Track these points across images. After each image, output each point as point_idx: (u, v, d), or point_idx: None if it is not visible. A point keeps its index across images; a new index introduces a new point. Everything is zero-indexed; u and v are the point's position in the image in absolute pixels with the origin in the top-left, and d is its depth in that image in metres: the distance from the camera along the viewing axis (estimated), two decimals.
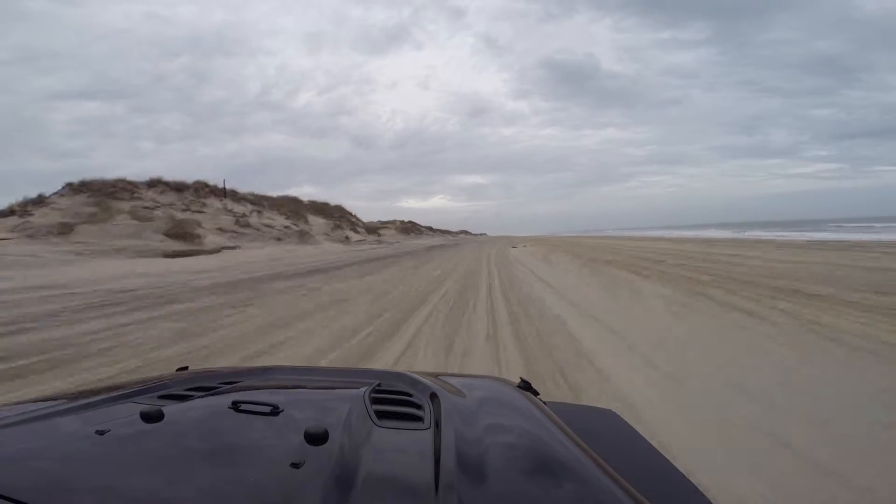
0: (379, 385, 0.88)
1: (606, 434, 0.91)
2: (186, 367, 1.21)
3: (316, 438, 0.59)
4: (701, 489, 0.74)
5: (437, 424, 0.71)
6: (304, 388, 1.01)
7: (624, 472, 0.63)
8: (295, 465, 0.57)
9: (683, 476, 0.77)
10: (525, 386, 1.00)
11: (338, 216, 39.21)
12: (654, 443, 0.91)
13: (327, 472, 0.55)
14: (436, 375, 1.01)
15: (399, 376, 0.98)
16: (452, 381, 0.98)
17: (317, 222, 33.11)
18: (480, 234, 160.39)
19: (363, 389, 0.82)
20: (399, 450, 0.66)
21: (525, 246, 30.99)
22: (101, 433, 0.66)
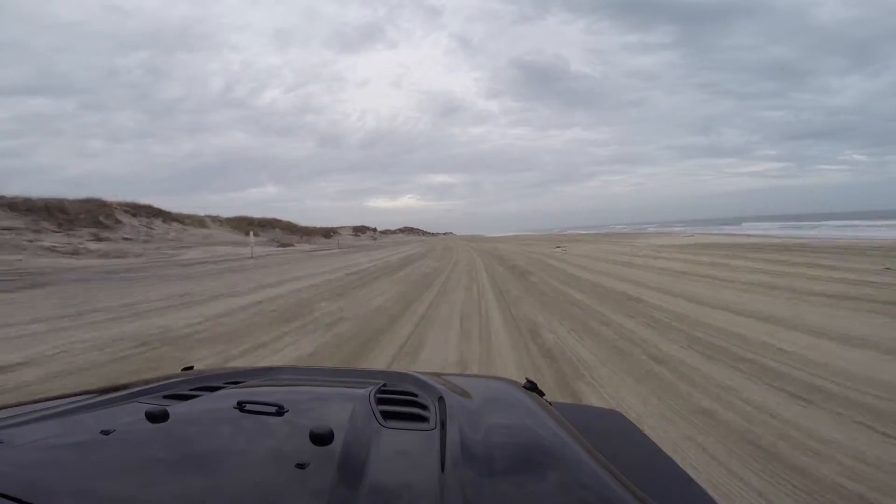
0: (384, 385, 0.88)
1: (611, 434, 0.91)
2: (192, 367, 1.20)
3: (321, 439, 0.59)
4: (707, 492, 0.73)
5: (443, 425, 0.71)
6: (309, 388, 1.00)
7: (629, 472, 0.63)
8: (300, 466, 0.57)
9: (689, 477, 0.77)
10: (531, 386, 1.00)
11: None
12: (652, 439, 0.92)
13: (333, 473, 0.55)
14: (441, 376, 1.01)
15: (404, 377, 0.98)
16: (458, 381, 0.98)
17: None
18: (446, 234, 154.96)
19: (368, 389, 0.82)
20: (405, 450, 0.66)
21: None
22: (105, 433, 0.65)
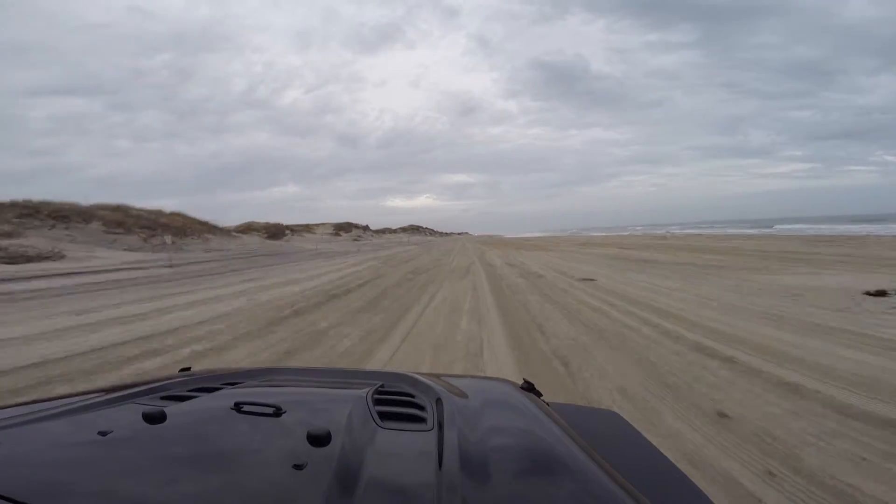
0: (382, 386, 0.88)
1: (608, 435, 0.91)
2: (189, 368, 1.20)
3: (318, 440, 0.59)
4: (704, 491, 0.73)
5: (440, 426, 0.71)
6: (307, 389, 1.01)
7: (626, 472, 0.64)
8: (297, 467, 0.57)
9: (685, 476, 0.77)
10: (528, 387, 1.00)
11: None
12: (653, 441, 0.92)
13: (330, 474, 0.55)
14: (438, 376, 1.01)
15: (402, 377, 0.98)
16: (455, 382, 0.98)
17: None
18: (461, 234, 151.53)
19: (366, 390, 0.82)
20: (402, 451, 0.66)
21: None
22: (103, 434, 0.65)
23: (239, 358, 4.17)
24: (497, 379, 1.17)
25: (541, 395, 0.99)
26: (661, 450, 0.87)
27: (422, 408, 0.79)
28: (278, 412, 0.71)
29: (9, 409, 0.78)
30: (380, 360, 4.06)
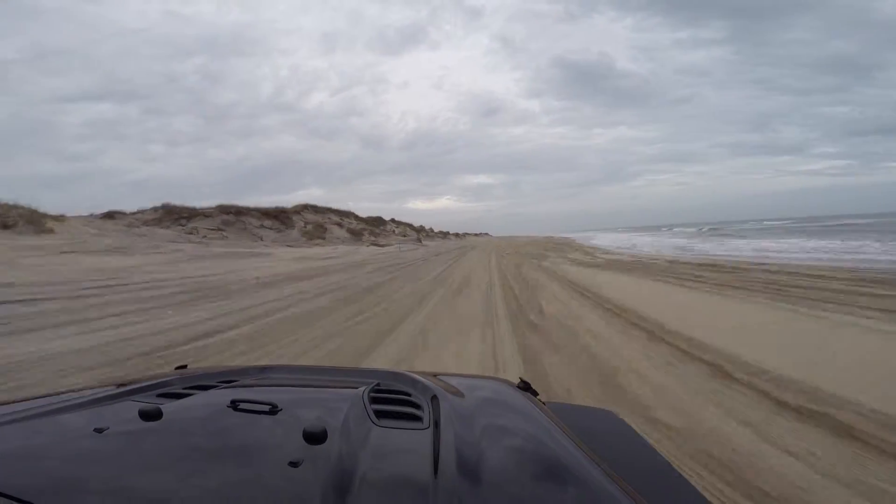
0: (378, 385, 0.88)
1: (605, 434, 0.91)
2: (185, 366, 1.20)
3: (314, 437, 0.59)
4: (700, 490, 0.73)
5: (437, 424, 0.71)
6: (303, 387, 1.01)
7: (623, 472, 0.64)
8: (293, 464, 0.57)
9: (682, 476, 0.78)
10: (525, 386, 1.00)
11: None
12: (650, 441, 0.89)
13: (326, 472, 0.55)
14: (435, 375, 1.00)
15: (398, 376, 0.98)
16: (452, 381, 0.98)
17: None
18: (478, 235, 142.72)
19: (362, 389, 0.82)
20: (398, 449, 0.66)
21: None
22: (99, 431, 0.66)
23: None
24: (493, 378, 1.17)
25: (537, 394, 0.99)
26: (656, 447, 0.88)
27: (418, 406, 0.79)
28: (274, 410, 0.71)
29: (4, 406, 0.78)
30: None
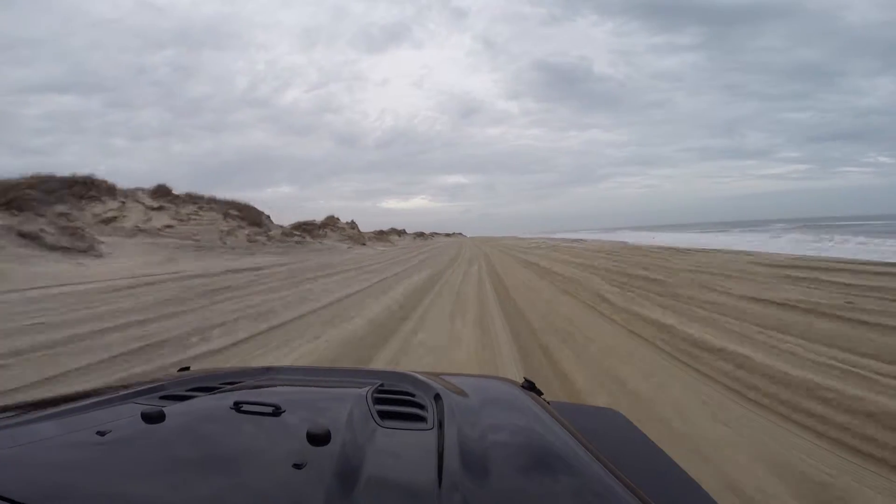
0: (381, 385, 0.88)
1: (610, 434, 0.90)
2: (188, 368, 1.20)
3: (318, 439, 0.59)
4: (708, 492, 0.73)
5: (441, 424, 0.70)
6: (306, 388, 1.00)
7: (628, 471, 0.63)
8: (297, 466, 0.56)
9: (687, 475, 0.77)
10: (529, 386, 0.99)
11: None
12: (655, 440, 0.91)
13: (330, 473, 0.55)
14: (439, 375, 1.00)
15: (402, 376, 0.98)
16: (455, 381, 0.97)
17: None
18: (448, 235, 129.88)
19: (365, 389, 0.82)
20: (402, 450, 0.66)
21: None
22: (101, 434, 0.65)
23: None
24: (497, 378, 1.18)
25: (542, 393, 0.99)
26: (663, 447, 0.87)
27: (422, 406, 0.79)
28: (278, 411, 0.71)
29: (7, 410, 0.77)
30: None
